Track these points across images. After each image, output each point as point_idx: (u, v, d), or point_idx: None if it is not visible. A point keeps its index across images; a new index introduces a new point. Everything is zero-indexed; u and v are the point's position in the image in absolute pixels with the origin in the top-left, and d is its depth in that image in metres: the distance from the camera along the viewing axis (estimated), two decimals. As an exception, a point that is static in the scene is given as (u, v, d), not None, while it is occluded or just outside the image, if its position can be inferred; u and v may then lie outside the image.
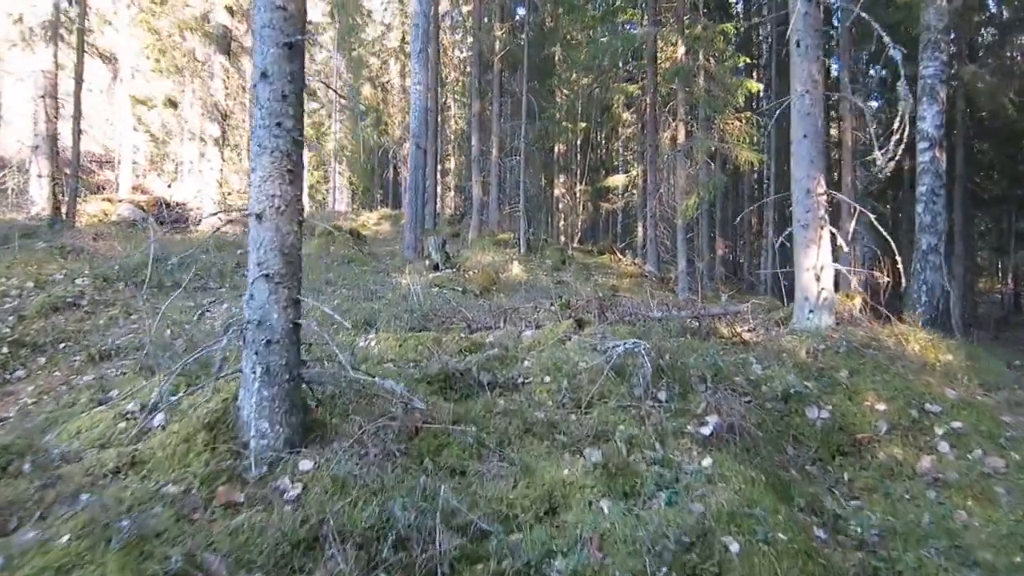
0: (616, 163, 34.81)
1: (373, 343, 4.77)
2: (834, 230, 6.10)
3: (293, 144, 2.96)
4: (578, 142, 29.39)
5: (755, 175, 25.77)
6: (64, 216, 11.99)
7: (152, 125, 22.39)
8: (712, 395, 4.02)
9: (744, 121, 14.85)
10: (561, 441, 3.39)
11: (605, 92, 23.68)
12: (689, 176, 15.07)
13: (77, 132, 12.48)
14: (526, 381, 4.13)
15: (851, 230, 6.18)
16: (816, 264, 6.10)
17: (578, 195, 29.15)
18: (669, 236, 18.15)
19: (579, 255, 19.36)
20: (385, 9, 26.95)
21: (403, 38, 26.43)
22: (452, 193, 36.34)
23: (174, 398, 3.68)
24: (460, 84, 30.39)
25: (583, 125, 27.12)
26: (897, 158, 5.27)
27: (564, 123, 25.49)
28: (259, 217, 2.91)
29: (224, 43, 16.16)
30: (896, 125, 5.04)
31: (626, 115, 26.97)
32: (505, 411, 3.63)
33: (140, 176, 23.82)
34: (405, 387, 3.18)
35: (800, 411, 4.41)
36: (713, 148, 14.21)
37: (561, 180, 29.58)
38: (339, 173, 39.60)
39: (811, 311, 6.13)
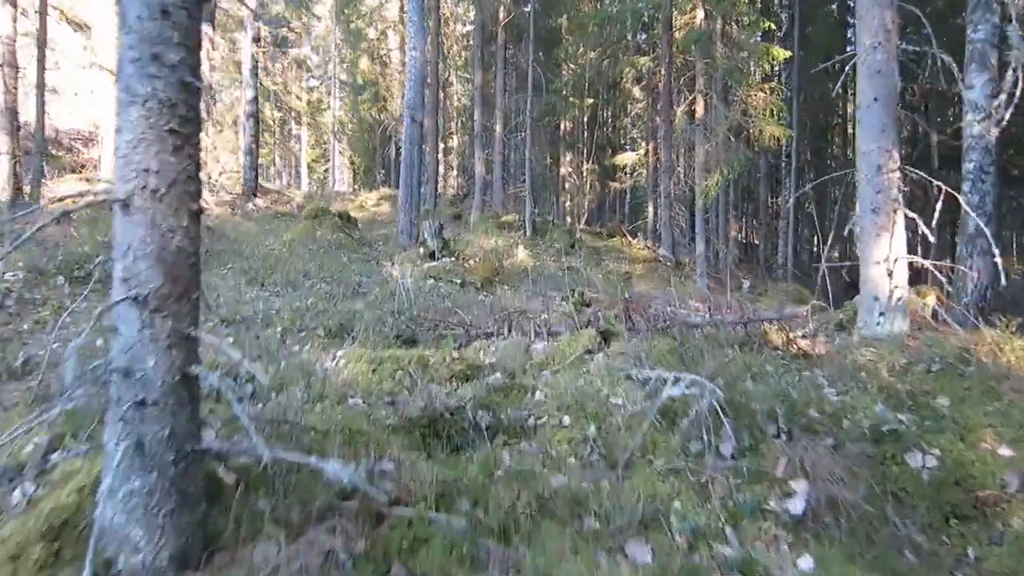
0: (624, 141, 33.56)
1: (342, 363, 3.73)
2: (912, 214, 5.02)
3: (181, 89, 1.89)
4: (585, 119, 28.14)
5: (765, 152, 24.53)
6: (27, 198, 10.94)
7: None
8: (790, 443, 2.99)
9: (769, 92, 13.65)
10: (592, 529, 2.35)
11: (614, 66, 22.42)
12: (708, 153, 13.93)
13: (41, 105, 11.42)
14: (539, 423, 3.09)
15: (936, 213, 5.08)
16: (888, 256, 5.02)
17: (585, 174, 27.91)
18: (685, 218, 17.06)
19: (587, 238, 18.29)
20: (383, -23, 25.63)
21: (402, 7, 25.10)
22: (455, 172, 35.14)
23: (56, 456, 2.66)
24: (462, 59, 29.12)
25: (590, 101, 25.83)
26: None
27: (571, 99, 24.28)
28: (125, 205, 1.85)
29: (208, 8, 14.98)
30: (1009, 77, 3.95)
31: (636, 90, 25.70)
32: (511, 474, 2.60)
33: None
34: (358, 471, 2.12)
35: (897, 456, 3.35)
36: (736, 122, 13.04)
37: (567, 158, 28.36)
38: (339, 152, 38.39)
39: (882, 314, 5.06)
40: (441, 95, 28.58)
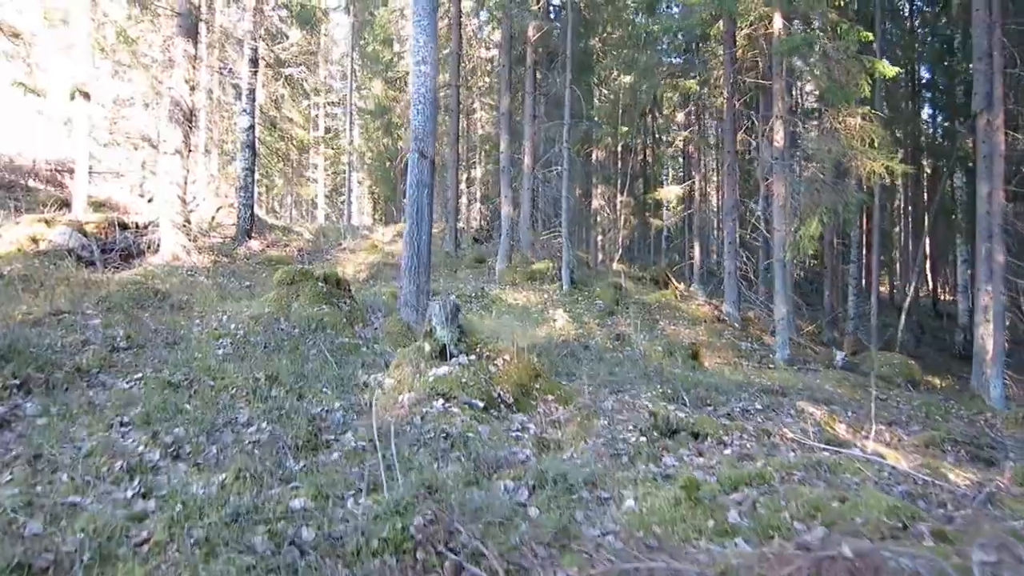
0: (661, 172, 31.02)
1: None
2: None
3: None
4: (618, 148, 25.65)
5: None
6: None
7: (129, 128, 19.08)
8: None
9: (864, 118, 10.97)
10: None
11: (654, 89, 19.97)
12: (788, 190, 11.25)
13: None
14: None
15: None
16: None
17: (619, 208, 25.34)
18: (750, 267, 14.34)
19: (632, 287, 15.58)
20: (400, -6, 23.57)
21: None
22: (478, 204, 32.66)
23: None
24: (487, 84, 26.94)
25: (624, 129, 23.38)
26: None
27: (605, 126, 21.90)
28: None
29: (188, 23, 12.76)
30: None
31: (680, 116, 23.25)
32: None
33: (139, 190, 20.58)
34: None
35: None
36: (837, 156, 10.34)
37: (599, 191, 25.82)
38: (359, 183, 36.14)
39: None
40: (464, 123, 26.31)
